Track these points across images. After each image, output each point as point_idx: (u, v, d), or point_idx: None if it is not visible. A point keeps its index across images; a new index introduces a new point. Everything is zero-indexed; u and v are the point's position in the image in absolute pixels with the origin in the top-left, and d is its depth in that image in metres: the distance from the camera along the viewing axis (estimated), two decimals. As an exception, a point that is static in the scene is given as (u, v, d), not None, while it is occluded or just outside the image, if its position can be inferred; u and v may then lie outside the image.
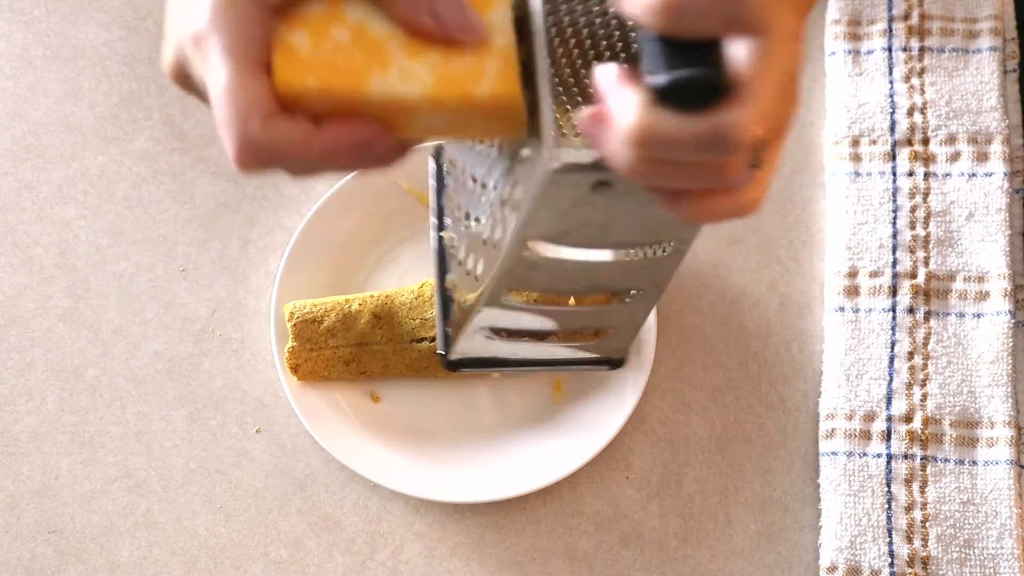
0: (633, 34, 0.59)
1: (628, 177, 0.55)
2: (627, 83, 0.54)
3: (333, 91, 0.56)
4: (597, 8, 0.64)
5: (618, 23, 0.61)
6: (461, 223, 0.71)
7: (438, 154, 0.75)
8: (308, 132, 0.56)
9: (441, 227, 0.74)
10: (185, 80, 0.59)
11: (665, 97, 0.53)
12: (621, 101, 0.54)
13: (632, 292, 0.70)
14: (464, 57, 0.57)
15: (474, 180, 0.68)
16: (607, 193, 0.58)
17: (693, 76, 0.52)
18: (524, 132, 0.59)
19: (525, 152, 0.60)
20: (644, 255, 0.67)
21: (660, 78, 0.53)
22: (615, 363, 0.77)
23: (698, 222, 0.59)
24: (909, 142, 0.90)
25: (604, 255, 0.65)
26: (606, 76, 0.55)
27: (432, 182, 0.75)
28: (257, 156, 0.56)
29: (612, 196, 0.59)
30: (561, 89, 0.67)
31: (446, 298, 0.73)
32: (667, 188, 0.56)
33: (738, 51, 0.54)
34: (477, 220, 0.68)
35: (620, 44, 0.64)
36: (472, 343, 0.72)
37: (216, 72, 0.56)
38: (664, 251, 0.65)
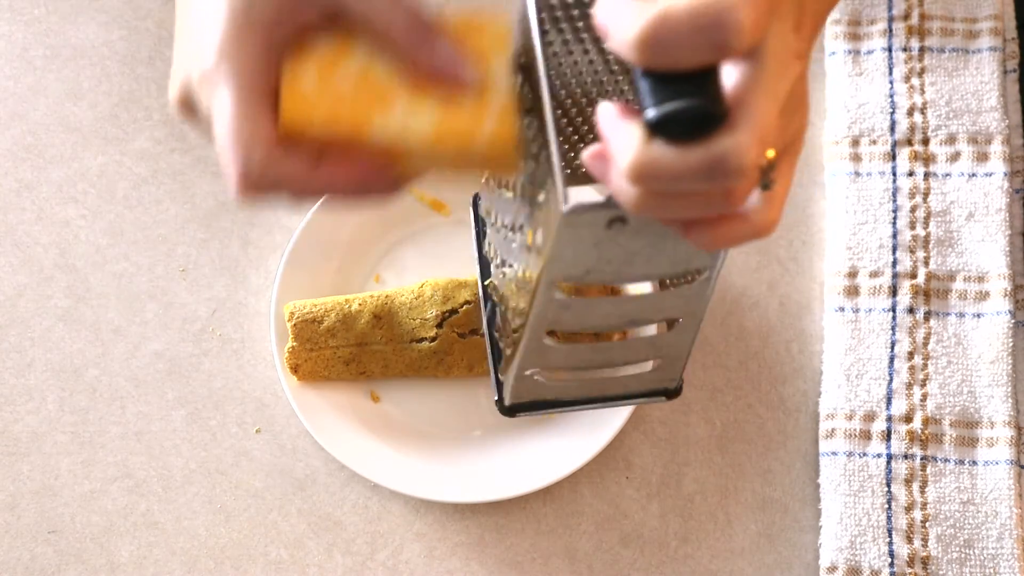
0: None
1: (637, 213, 0.55)
2: (625, 119, 0.54)
3: (335, 128, 0.58)
4: (597, 49, 0.66)
5: (619, 60, 0.62)
6: (500, 269, 0.73)
7: (476, 203, 0.77)
8: (309, 166, 0.58)
9: (485, 275, 0.76)
10: (190, 112, 0.60)
11: (659, 131, 0.53)
12: (620, 138, 0.54)
13: (671, 322, 0.69)
14: (464, 101, 0.59)
15: (504, 226, 0.70)
16: (623, 229, 0.58)
17: (681, 108, 0.52)
18: (518, 170, 0.62)
19: (542, 197, 0.61)
20: (672, 285, 0.68)
21: (651, 112, 0.52)
22: (671, 393, 0.75)
23: (715, 248, 0.58)
24: (909, 142, 0.90)
25: (630, 290, 0.66)
26: (605, 114, 0.55)
27: (472, 231, 0.77)
28: (257, 186, 0.58)
29: (629, 231, 0.59)
30: (570, 130, 0.69)
31: (496, 345, 0.75)
32: (679, 219, 0.56)
33: (731, 77, 0.53)
34: (510, 266, 0.69)
35: (626, 81, 0.66)
36: (523, 386, 0.72)
37: (222, 105, 0.57)
38: (691, 279, 0.65)
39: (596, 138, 0.59)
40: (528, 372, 0.71)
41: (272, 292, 0.86)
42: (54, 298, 0.89)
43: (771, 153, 0.55)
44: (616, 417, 0.84)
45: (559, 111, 0.68)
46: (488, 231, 0.76)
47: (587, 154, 0.56)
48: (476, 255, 0.77)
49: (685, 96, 0.52)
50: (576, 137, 0.70)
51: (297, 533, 0.84)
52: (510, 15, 0.61)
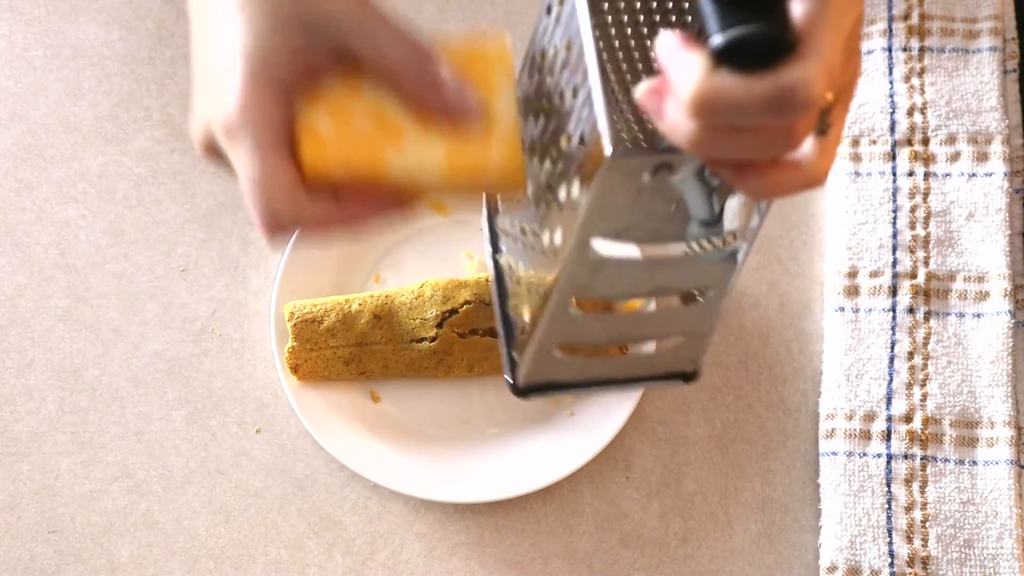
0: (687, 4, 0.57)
1: (692, 150, 0.53)
2: (688, 49, 0.52)
3: (353, 169, 0.61)
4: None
5: (673, 5, 0.61)
6: (519, 240, 0.71)
7: None
8: (330, 209, 0.61)
9: (496, 251, 0.74)
10: (215, 155, 0.63)
11: (725, 58, 0.51)
12: (681, 68, 0.52)
13: (698, 294, 0.68)
14: (471, 131, 0.61)
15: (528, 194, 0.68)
16: (667, 179, 0.57)
17: (751, 33, 0.51)
18: (524, 192, 0.63)
19: (578, 150, 0.60)
20: (708, 248, 0.65)
21: (717, 38, 0.51)
22: (688, 376, 0.73)
23: (767, 197, 0.57)
24: (909, 142, 0.90)
25: (667, 250, 0.64)
26: (666, 43, 0.53)
27: (484, 208, 0.75)
28: (283, 228, 0.61)
29: (674, 182, 0.57)
30: (614, 79, 0.67)
31: (509, 322, 0.72)
32: (732, 161, 0.55)
33: (798, 7, 0.52)
34: (535, 234, 0.68)
35: (676, 19, 0.63)
36: (541, 365, 0.70)
37: (246, 156, 0.60)
38: (725, 245, 0.63)
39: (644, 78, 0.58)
40: (548, 347, 0.68)
41: (272, 292, 0.86)
42: (54, 298, 0.89)
43: (829, 95, 0.54)
44: (616, 417, 0.84)
45: (604, 52, 0.65)
46: (501, 206, 0.74)
47: (643, 88, 0.54)
48: (488, 233, 0.75)
49: (754, 22, 0.51)
50: (617, 89, 0.68)
51: (297, 533, 0.84)
52: (507, 35, 0.63)
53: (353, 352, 0.85)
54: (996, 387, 0.85)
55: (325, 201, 0.61)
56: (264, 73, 0.60)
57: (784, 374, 0.87)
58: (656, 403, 0.86)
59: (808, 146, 0.56)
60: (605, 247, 0.62)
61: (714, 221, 0.61)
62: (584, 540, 0.84)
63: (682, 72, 0.52)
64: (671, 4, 0.63)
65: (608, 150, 0.55)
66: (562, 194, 0.63)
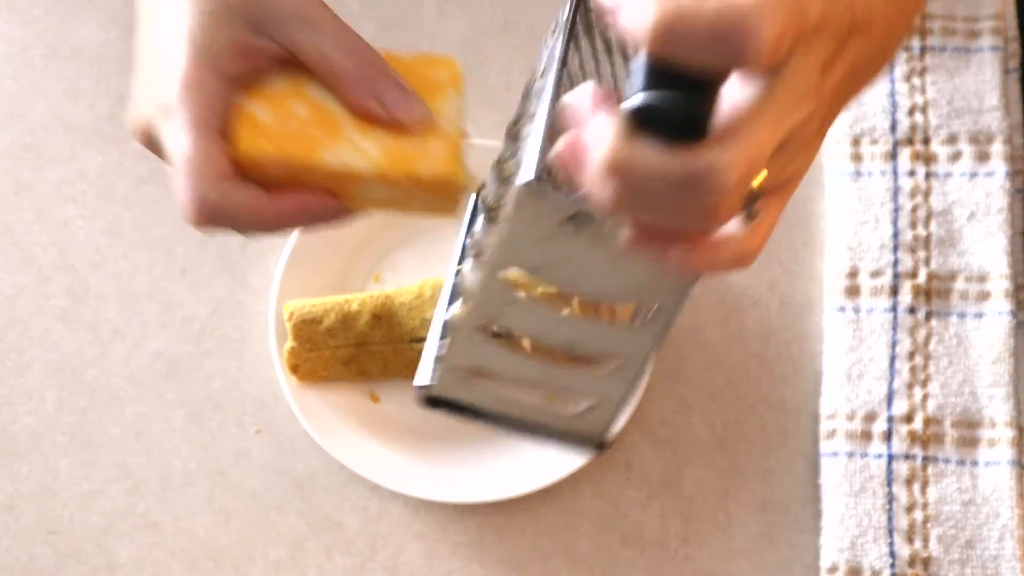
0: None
1: (608, 211, 0.51)
2: (604, 107, 0.51)
3: (288, 158, 0.61)
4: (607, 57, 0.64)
5: (624, 65, 0.60)
6: (474, 260, 0.69)
7: (478, 193, 0.73)
8: (259, 199, 0.61)
9: (461, 261, 0.72)
10: (149, 141, 0.63)
11: (642, 123, 0.49)
12: (596, 126, 0.50)
13: (609, 363, 0.64)
14: (412, 137, 0.62)
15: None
16: (583, 232, 0.55)
17: (665, 102, 0.48)
18: (461, 211, 0.63)
19: (513, 173, 0.59)
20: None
21: (639, 97, 0.49)
22: (602, 445, 0.69)
23: (688, 272, 0.55)
24: (910, 141, 0.90)
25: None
26: (582, 98, 0.52)
27: (466, 218, 0.74)
28: (210, 217, 0.61)
29: (589, 238, 0.55)
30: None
31: (444, 329, 0.69)
32: (650, 229, 0.53)
33: (741, 91, 0.51)
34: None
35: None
36: (454, 380, 0.67)
37: (179, 139, 0.60)
38: (645, 315, 0.60)
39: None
40: (459, 365, 0.66)
41: (272, 292, 0.86)
42: (53, 298, 0.89)
43: (756, 182, 0.52)
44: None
45: (566, 86, 0.63)
46: (478, 220, 0.72)
47: (560, 143, 0.52)
48: (461, 242, 0.72)
49: (677, 93, 0.49)
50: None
51: (297, 533, 0.84)
52: (457, 61, 0.64)
53: (353, 352, 0.85)
54: (997, 387, 0.84)
55: (255, 190, 0.61)
56: (208, 58, 0.60)
57: (785, 374, 0.87)
58: (656, 403, 0.86)
59: (735, 225, 0.53)
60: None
61: (632, 290, 0.59)
62: (584, 540, 0.84)
63: (597, 131, 0.50)
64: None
65: (525, 177, 0.53)
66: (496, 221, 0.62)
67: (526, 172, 0.54)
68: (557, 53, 0.58)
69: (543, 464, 0.83)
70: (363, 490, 0.85)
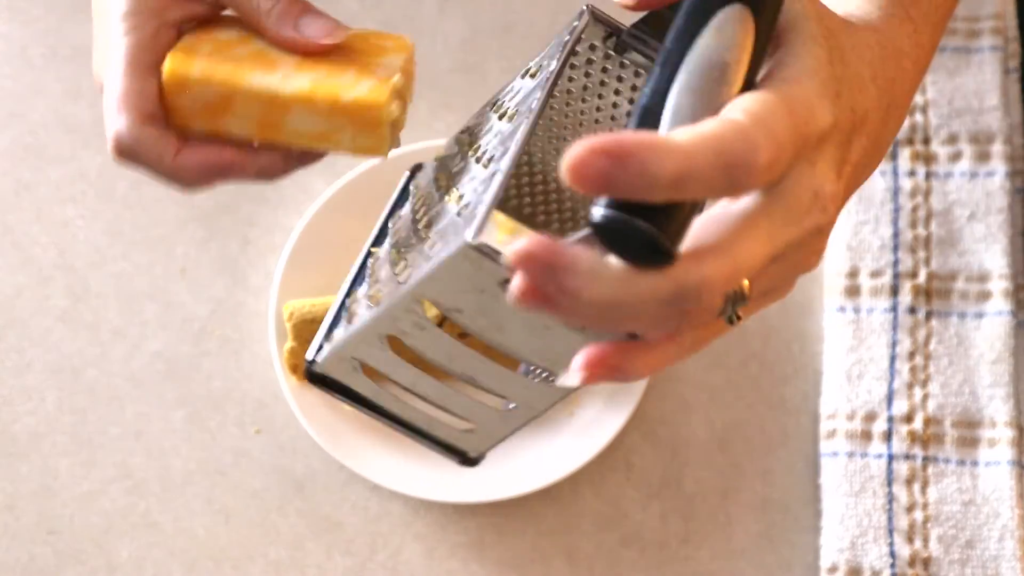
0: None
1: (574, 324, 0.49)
2: (560, 245, 0.46)
3: (214, 80, 0.62)
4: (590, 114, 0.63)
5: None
6: (391, 249, 0.67)
7: (413, 174, 0.71)
8: (169, 144, 0.62)
9: (377, 242, 0.69)
10: (102, 91, 0.64)
11: (604, 239, 0.46)
12: (573, 261, 0.45)
13: (505, 402, 0.64)
14: (345, 74, 0.62)
15: (414, 218, 0.66)
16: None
17: (629, 223, 0.45)
18: (387, 150, 0.63)
19: (457, 205, 0.58)
20: (527, 374, 0.62)
21: (597, 212, 0.45)
22: (468, 461, 0.69)
23: (640, 377, 0.51)
24: (910, 141, 0.90)
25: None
26: (533, 243, 0.47)
27: (393, 196, 0.71)
28: (124, 154, 0.63)
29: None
30: (529, 184, 0.66)
31: (342, 307, 0.68)
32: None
33: (740, 200, 0.47)
34: (401, 254, 0.65)
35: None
36: (341, 365, 0.66)
37: (110, 75, 0.62)
38: (549, 380, 0.60)
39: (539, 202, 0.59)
40: (349, 356, 0.65)
41: (272, 292, 0.86)
42: (53, 298, 0.89)
43: (745, 284, 0.49)
44: (616, 417, 0.84)
45: (522, 154, 0.62)
46: (405, 206, 0.69)
47: (516, 245, 0.47)
48: (382, 222, 0.70)
49: (644, 217, 0.45)
50: (522, 190, 0.66)
51: (296, 533, 0.84)
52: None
53: (353, 352, 0.85)
54: (997, 387, 0.84)
55: (168, 139, 0.62)
56: (144, 3, 0.63)
57: (785, 374, 0.87)
58: (656, 403, 0.86)
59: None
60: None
61: (546, 357, 0.57)
62: (584, 541, 0.84)
63: (575, 268, 0.46)
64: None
65: (469, 236, 0.52)
66: (428, 242, 0.61)
67: (469, 232, 0.52)
68: (535, 105, 0.57)
69: (543, 464, 0.83)
70: (363, 490, 0.85)
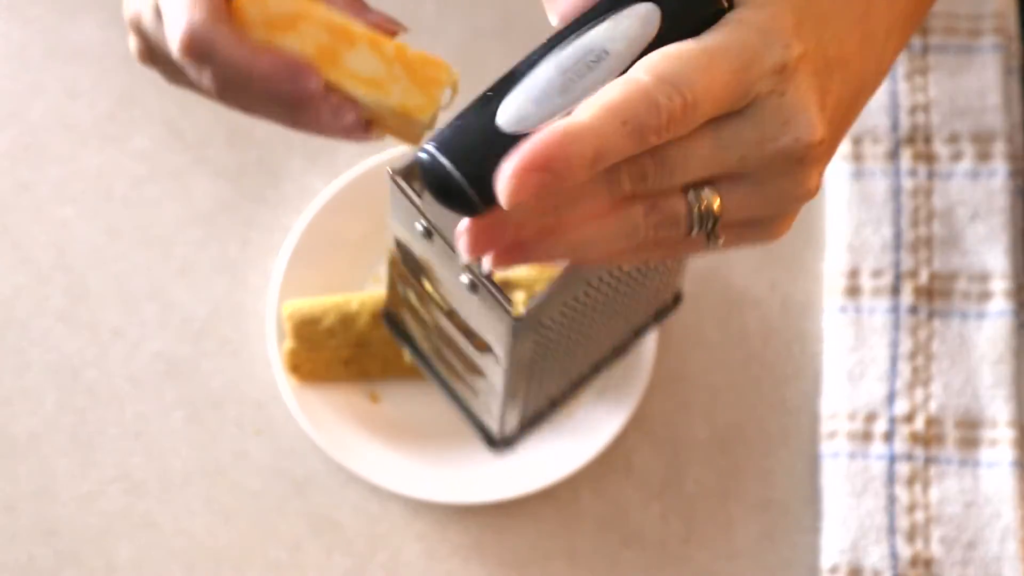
0: None
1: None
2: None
3: (285, 6, 0.60)
4: None
5: None
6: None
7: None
8: (243, 43, 0.59)
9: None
10: (139, 32, 0.62)
11: (420, 171, 0.49)
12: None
13: (481, 373, 0.68)
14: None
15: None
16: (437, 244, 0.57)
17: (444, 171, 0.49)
18: (429, 115, 0.62)
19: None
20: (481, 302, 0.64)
21: (424, 148, 0.49)
22: (496, 444, 0.73)
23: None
24: (912, 141, 0.90)
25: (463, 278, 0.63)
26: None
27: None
28: (195, 48, 0.58)
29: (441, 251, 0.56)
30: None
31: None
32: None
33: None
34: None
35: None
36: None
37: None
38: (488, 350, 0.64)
39: None
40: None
41: (271, 292, 0.86)
42: (52, 298, 0.89)
43: (715, 205, 0.51)
44: (616, 417, 0.83)
45: None
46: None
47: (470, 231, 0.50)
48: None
49: (464, 163, 0.50)
50: None
51: (296, 534, 0.84)
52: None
53: (353, 352, 0.85)
54: (999, 388, 0.84)
55: (240, 37, 0.59)
56: None
57: (785, 374, 0.87)
58: (656, 403, 0.86)
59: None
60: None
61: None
62: (584, 541, 0.84)
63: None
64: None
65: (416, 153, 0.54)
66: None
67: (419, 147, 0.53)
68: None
69: (543, 464, 0.83)
70: (363, 491, 0.85)
